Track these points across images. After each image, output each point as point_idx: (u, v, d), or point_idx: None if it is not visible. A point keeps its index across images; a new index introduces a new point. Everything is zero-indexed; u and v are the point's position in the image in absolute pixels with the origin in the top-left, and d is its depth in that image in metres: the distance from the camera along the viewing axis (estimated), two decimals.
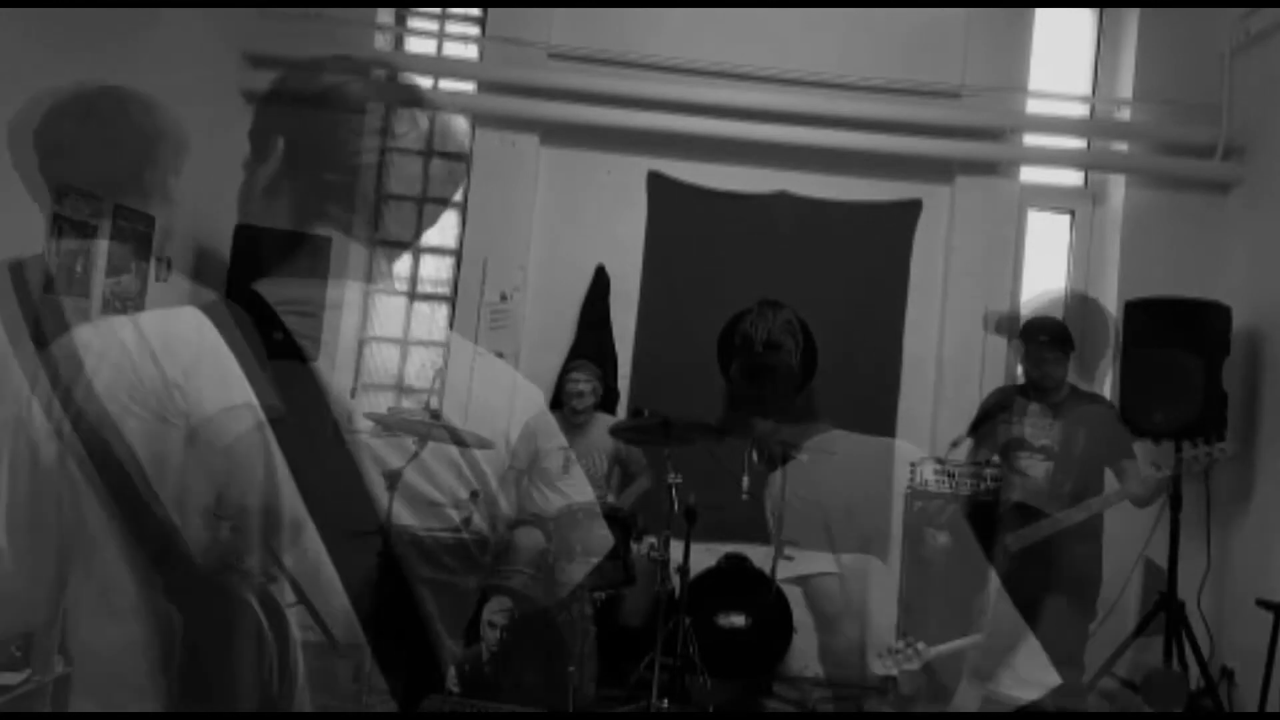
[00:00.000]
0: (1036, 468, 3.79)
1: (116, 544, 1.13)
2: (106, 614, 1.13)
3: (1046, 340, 3.82)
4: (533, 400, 4.65)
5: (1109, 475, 3.84)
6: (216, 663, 1.13)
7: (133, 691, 1.13)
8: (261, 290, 1.22)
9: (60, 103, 1.58)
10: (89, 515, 1.12)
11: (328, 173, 1.26)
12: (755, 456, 4.74)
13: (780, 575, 2.50)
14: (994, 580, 2.79)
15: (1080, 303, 4.84)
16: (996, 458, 3.95)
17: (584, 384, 4.70)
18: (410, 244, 1.46)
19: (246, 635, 1.13)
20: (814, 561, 2.37)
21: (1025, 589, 3.51)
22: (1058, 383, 3.84)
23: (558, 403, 4.88)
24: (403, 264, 5.42)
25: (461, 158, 1.46)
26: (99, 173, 1.67)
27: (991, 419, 3.92)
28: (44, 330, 1.38)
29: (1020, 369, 4.06)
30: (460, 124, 1.37)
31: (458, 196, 5.38)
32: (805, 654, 4.98)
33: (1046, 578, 3.54)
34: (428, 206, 1.40)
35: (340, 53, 1.32)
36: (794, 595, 4.71)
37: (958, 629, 2.33)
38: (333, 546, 1.28)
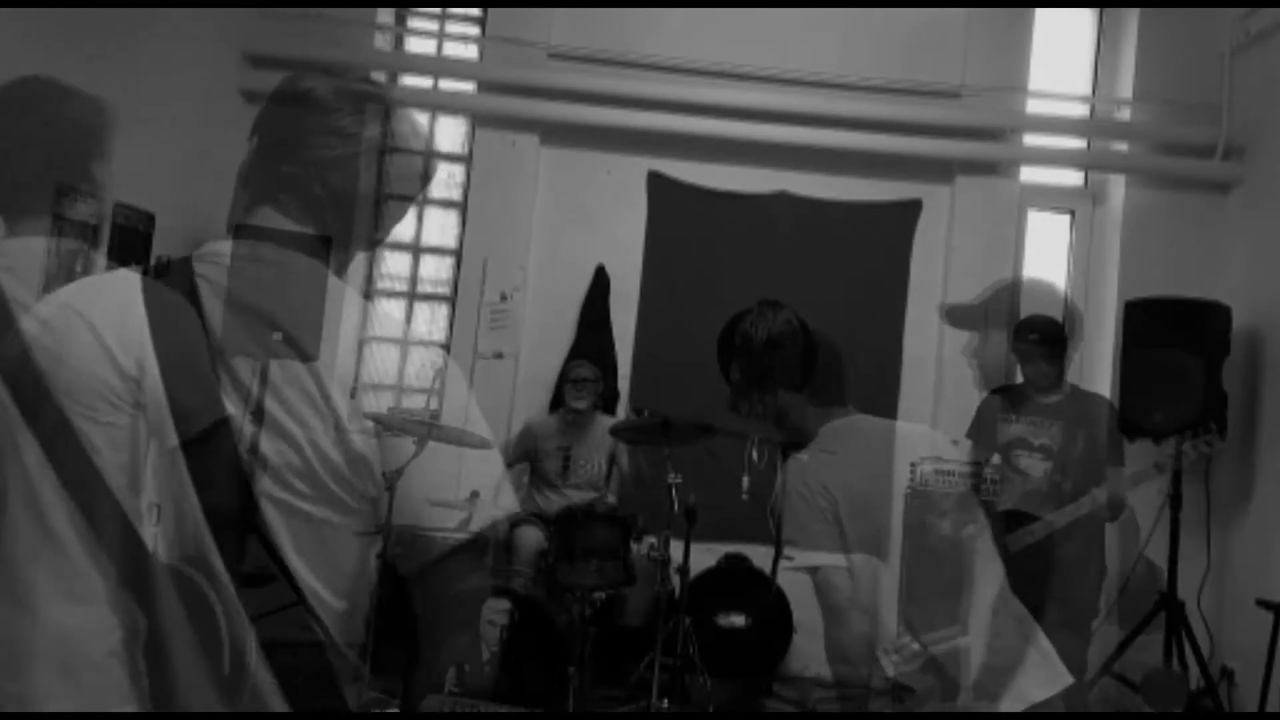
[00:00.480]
0: (1036, 467, 3.78)
1: (76, 534, 1.15)
2: (66, 598, 1.16)
3: (1036, 339, 3.81)
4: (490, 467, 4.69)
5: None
6: (173, 650, 1.16)
7: (96, 671, 1.16)
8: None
9: None
10: (47, 504, 1.15)
11: (286, 165, 1.31)
12: (755, 456, 4.73)
13: (790, 565, 2.49)
14: (994, 588, 2.78)
15: (1039, 292, 4.77)
16: (996, 457, 3.94)
17: (583, 384, 4.69)
18: (379, 240, 1.50)
19: (202, 628, 1.15)
20: (823, 552, 2.37)
21: (1024, 592, 3.50)
22: (1052, 381, 3.82)
23: (558, 403, 4.88)
24: (403, 264, 5.42)
25: (423, 154, 1.48)
26: (25, 169, 1.70)
27: (990, 418, 3.91)
28: None
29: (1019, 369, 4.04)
30: (416, 119, 1.39)
31: (455, 195, 5.38)
32: (805, 654, 4.98)
33: (1046, 579, 3.53)
34: (392, 204, 1.42)
35: (319, 58, 1.40)
36: (794, 595, 4.71)
37: (957, 621, 2.33)
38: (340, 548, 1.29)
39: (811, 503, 2.32)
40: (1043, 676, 2.24)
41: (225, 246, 1.29)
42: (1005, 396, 3.95)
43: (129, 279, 1.28)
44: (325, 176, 1.32)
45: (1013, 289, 4.32)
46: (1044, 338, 3.81)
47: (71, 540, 1.15)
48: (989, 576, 2.30)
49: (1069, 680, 2.25)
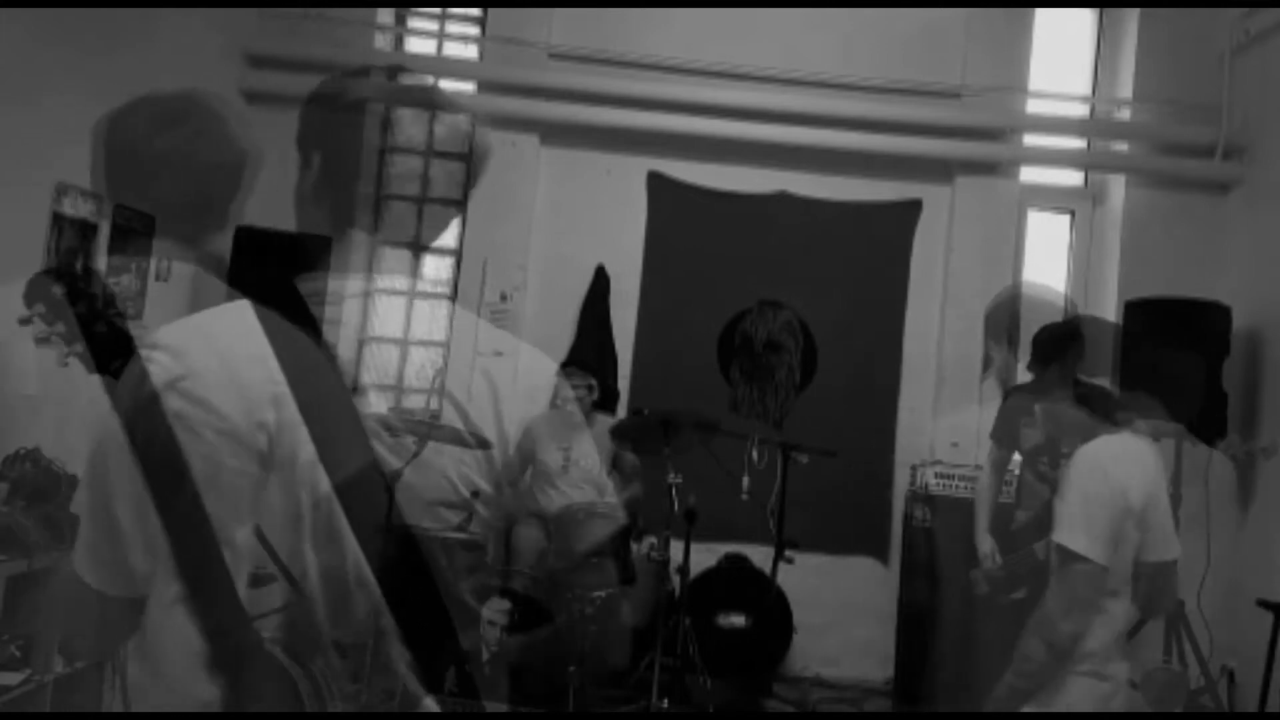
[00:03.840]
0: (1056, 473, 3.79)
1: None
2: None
3: (1055, 353, 3.81)
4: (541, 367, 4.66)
5: None
6: None
7: None
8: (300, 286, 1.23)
9: (158, 111, 1.44)
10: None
11: (358, 182, 1.28)
12: (755, 456, 4.74)
13: (1062, 541, 2.42)
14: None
15: (1041, 300, 4.77)
16: (1018, 456, 3.92)
17: (576, 391, 4.69)
18: (426, 245, 1.47)
19: (285, 707, 1.12)
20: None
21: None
22: (1081, 390, 3.84)
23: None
24: (408, 263, 5.42)
25: (468, 158, 1.45)
26: (191, 191, 1.50)
27: (1015, 419, 3.90)
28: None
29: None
30: (460, 121, 1.35)
31: (455, 195, 5.37)
32: (805, 654, 4.98)
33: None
34: (438, 208, 1.41)
35: (361, 63, 1.34)
36: (794, 595, 4.71)
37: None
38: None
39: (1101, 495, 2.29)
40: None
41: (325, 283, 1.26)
42: (1029, 399, 3.95)
43: (245, 313, 1.21)
44: (403, 189, 1.30)
45: (1014, 298, 4.32)
46: (1067, 346, 3.81)
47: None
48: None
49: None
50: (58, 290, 1.40)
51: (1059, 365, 3.65)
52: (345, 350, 1.29)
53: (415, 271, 1.37)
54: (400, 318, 5.18)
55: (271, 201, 1.70)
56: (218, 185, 1.43)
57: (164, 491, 1.10)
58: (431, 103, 1.36)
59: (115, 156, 1.40)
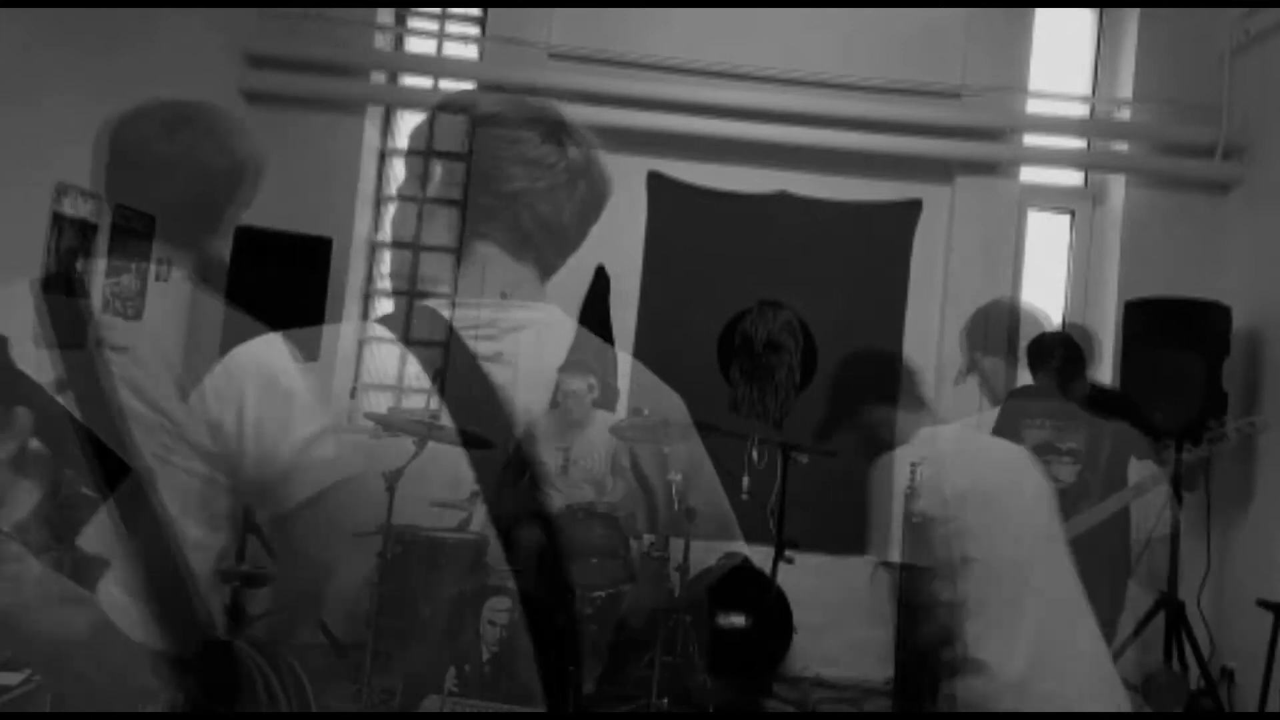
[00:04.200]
0: (1066, 471, 3.80)
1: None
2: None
3: (1058, 365, 3.84)
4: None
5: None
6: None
7: None
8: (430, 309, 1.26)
9: (166, 116, 1.43)
10: None
11: (482, 197, 1.32)
12: (755, 456, 4.74)
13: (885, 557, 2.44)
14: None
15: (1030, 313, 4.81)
16: None
17: (575, 396, 4.68)
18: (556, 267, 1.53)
19: (255, 703, 1.14)
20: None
21: None
22: (1081, 396, 3.85)
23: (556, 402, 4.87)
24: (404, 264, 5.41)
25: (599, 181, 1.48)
26: (195, 194, 1.48)
27: (1016, 422, 3.92)
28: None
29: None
30: (590, 143, 1.40)
31: (455, 194, 5.37)
32: (805, 654, 4.98)
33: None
34: (572, 231, 1.50)
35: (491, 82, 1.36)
36: (794, 595, 4.71)
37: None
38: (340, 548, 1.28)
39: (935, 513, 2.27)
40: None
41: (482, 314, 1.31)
42: (1029, 400, 3.96)
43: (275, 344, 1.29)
44: (534, 207, 1.30)
45: (1004, 309, 4.34)
46: (1068, 358, 3.83)
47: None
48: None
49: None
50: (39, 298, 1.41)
51: (1056, 370, 3.73)
52: (344, 350, 1.30)
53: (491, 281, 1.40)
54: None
55: (271, 202, 1.70)
56: (218, 191, 1.43)
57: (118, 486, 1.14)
58: (568, 126, 1.38)
59: (119, 157, 1.41)
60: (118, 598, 1.17)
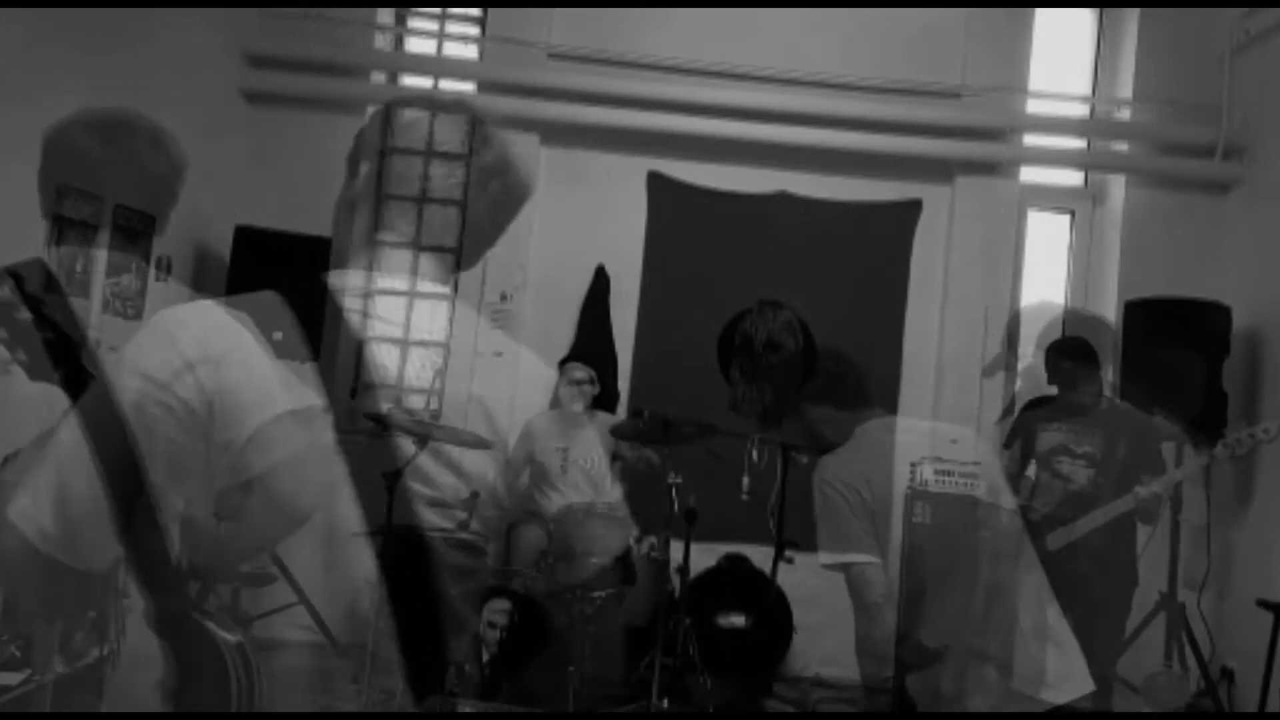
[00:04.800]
0: (1080, 474, 3.81)
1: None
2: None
3: (1070, 366, 3.85)
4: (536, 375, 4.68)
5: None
6: (188, 694, 1.19)
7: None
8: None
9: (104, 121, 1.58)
10: None
11: (397, 194, 1.39)
12: (755, 456, 4.73)
13: (823, 561, 2.48)
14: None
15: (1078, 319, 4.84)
16: (1033, 466, 3.95)
17: (579, 385, 4.68)
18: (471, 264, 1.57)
19: (215, 678, 1.18)
20: (857, 552, 2.38)
21: (1058, 592, 3.50)
22: (1095, 399, 3.86)
23: (558, 402, 4.87)
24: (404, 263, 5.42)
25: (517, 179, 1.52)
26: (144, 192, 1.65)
27: (1030, 430, 3.94)
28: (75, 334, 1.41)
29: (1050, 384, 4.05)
30: (504, 145, 1.46)
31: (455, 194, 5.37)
32: (805, 654, 4.98)
33: (1080, 580, 3.53)
34: (488, 227, 1.50)
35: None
36: (794, 595, 4.71)
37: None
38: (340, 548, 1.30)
39: (849, 499, 2.31)
40: (1065, 683, 2.22)
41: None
42: (1045, 406, 3.99)
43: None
44: (446, 205, 1.35)
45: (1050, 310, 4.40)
46: (1081, 359, 3.84)
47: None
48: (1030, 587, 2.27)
49: (1089, 688, 2.23)
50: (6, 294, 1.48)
51: (1071, 373, 3.82)
52: (344, 349, 1.32)
53: (446, 276, 1.46)
54: (400, 317, 5.17)
55: (271, 202, 1.72)
56: (160, 191, 1.55)
57: (112, 456, 1.20)
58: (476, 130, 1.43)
59: (65, 158, 1.55)
60: (36, 518, 1.18)
